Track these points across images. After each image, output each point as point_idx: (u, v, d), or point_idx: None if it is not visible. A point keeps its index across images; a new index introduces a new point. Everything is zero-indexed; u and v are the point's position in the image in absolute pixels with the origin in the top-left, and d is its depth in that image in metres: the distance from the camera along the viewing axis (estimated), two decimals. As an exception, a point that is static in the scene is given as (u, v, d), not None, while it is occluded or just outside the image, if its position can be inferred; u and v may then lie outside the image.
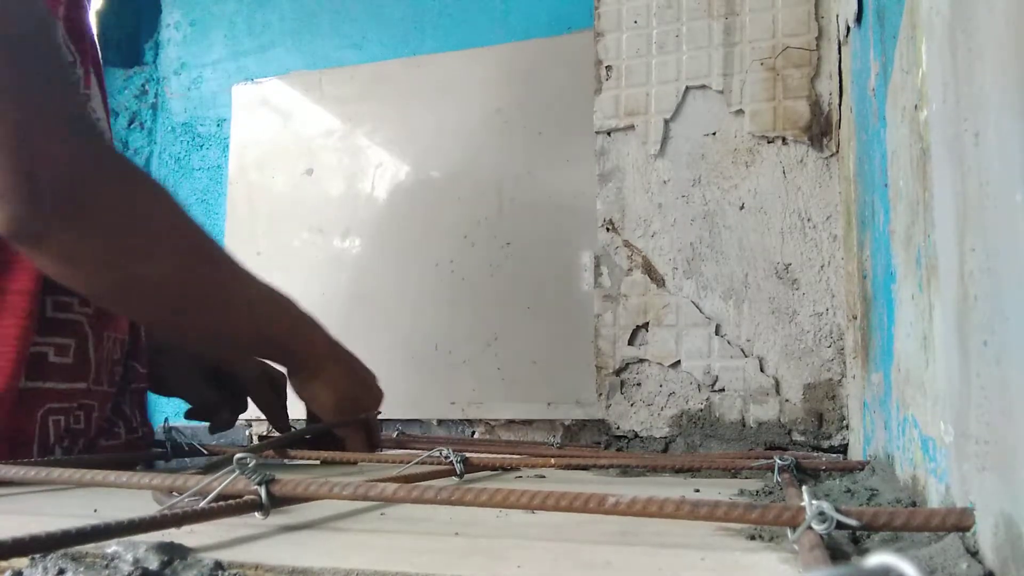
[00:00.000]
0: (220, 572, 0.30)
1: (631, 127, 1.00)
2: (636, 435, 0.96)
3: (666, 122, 0.99)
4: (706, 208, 0.96)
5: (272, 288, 0.77)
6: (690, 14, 0.99)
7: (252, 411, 1.30)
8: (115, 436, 0.79)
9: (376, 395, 0.84)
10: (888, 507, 0.36)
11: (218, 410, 0.86)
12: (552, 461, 0.66)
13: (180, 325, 0.71)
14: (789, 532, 0.32)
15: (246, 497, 0.39)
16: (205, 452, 0.76)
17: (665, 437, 0.95)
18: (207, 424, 0.87)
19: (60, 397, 0.72)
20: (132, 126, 1.55)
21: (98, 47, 0.86)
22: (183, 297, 0.68)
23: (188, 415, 0.88)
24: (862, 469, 0.63)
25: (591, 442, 1.09)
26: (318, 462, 0.79)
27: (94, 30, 0.83)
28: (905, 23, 0.45)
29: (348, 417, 0.80)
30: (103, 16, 1.58)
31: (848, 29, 0.79)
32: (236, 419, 0.89)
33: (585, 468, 0.70)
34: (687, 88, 0.98)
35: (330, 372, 0.79)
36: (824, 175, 0.92)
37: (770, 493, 0.55)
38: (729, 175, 0.96)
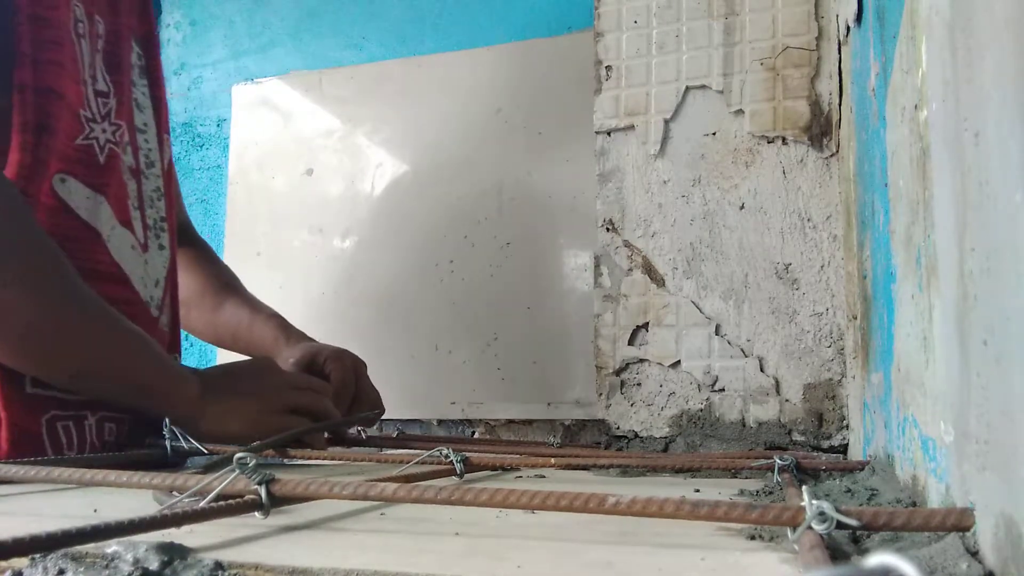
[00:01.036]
0: (220, 572, 0.30)
1: (631, 127, 1.00)
2: (636, 435, 0.96)
3: (666, 122, 0.99)
4: (706, 208, 0.96)
5: (139, 332, 0.74)
6: (690, 14, 0.99)
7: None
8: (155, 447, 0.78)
9: (280, 396, 0.80)
10: (888, 507, 0.36)
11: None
12: (552, 461, 0.66)
13: (35, 365, 0.68)
14: (789, 532, 0.32)
15: (246, 497, 0.39)
16: (205, 452, 0.76)
17: (665, 437, 0.95)
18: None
19: (66, 405, 0.72)
20: (132, 126, 1.55)
21: (159, 82, 0.90)
22: (35, 330, 0.66)
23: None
24: (862, 469, 0.63)
25: (591, 442, 1.09)
26: (318, 462, 0.79)
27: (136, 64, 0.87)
28: (905, 23, 0.45)
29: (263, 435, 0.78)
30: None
31: (848, 29, 0.79)
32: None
33: (585, 468, 0.70)
34: (687, 88, 0.98)
35: (213, 408, 0.75)
36: (824, 175, 0.92)
37: (770, 493, 0.55)
38: (729, 175, 0.96)
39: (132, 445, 0.79)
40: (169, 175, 0.91)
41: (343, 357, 0.95)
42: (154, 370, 0.73)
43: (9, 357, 0.67)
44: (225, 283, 1.05)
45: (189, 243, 1.05)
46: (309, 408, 0.81)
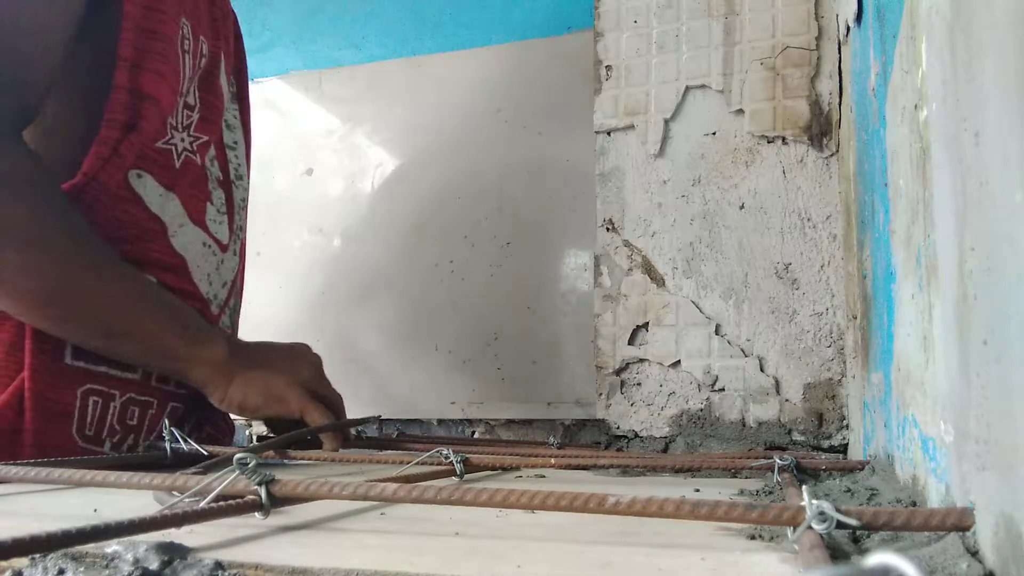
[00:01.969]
0: (220, 572, 0.30)
1: (631, 127, 1.00)
2: (636, 435, 0.96)
3: (666, 122, 0.99)
4: (706, 208, 0.96)
5: (164, 293, 0.77)
6: (690, 14, 0.99)
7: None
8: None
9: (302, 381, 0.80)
10: (888, 507, 0.36)
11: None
12: (552, 461, 0.66)
13: (54, 322, 0.71)
14: (789, 532, 0.32)
15: (246, 497, 0.39)
16: (205, 452, 0.76)
17: (665, 437, 0.95)
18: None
19: (105, 382, 0.75)
20: (132, 126, 1.55)
21: (247, 110, 0.96)
22: (50, 291, 0.69)
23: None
24: (862, 469, 0.63)
25: (591, 442, 1.09)
26: (318, 462, 0.79)
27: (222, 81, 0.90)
28: (905, 23, 0.45)
29: (280, 411, 0.79)
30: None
31: (848, 29, 0.79)
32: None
33: (585, 468, 0.70)
34: (687, 88, 0.98)
35: (240, 372, 0.77)
36: (824, 175, 0.92)
37: (770, 493, 0.55)
38: (729, 175, 0.96)
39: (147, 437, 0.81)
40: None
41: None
42: (179, 333, 0.74)
43: (42, 320, 0.71)
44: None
45: None
46: (330, 401, 0.82)
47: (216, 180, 0.88)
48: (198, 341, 0.75)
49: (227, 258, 0.88)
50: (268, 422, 0.84)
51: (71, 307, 0.70)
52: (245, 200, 0.95)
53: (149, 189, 0.78)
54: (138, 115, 0.75)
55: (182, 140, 0.82)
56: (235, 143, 0.93)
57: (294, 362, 0.82)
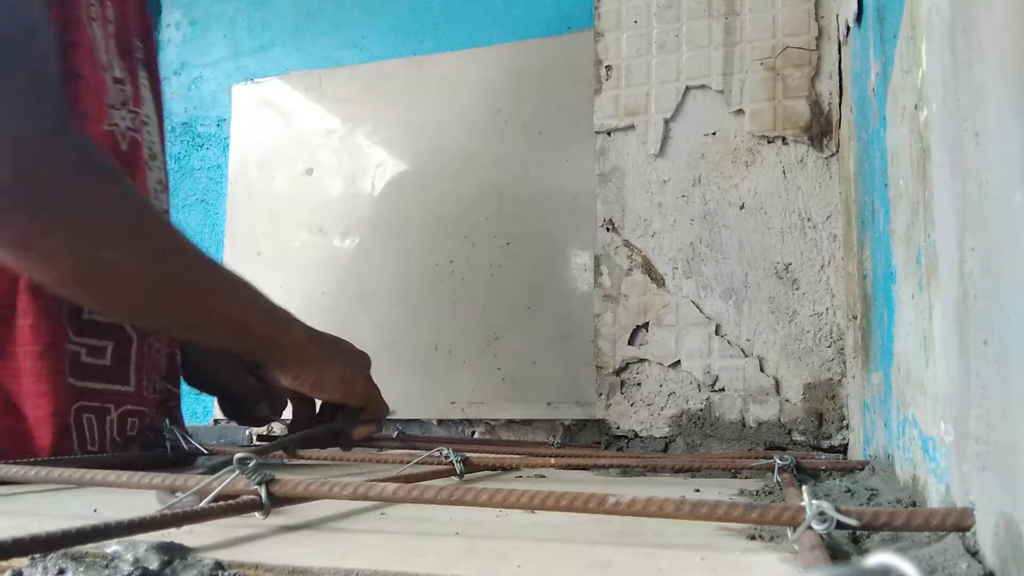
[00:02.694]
0: (220, 572, 0.30)
1: (631, 127, 1.00)
2: (636, 435, 0.96)
3: (666, 122, 0.99)
4: (706, 208, 0.96)
5: (243, 279, 0.75)
6: (690, 14, 0.99)
7: (252, 411, 1.30)
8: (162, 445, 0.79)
9: (363, 375, 0.82)
10: (888, 507, 0.36)
11: (258, 402, 0.85)
12: (552, 461, 0.66)
13: (150, 316, 0.70)
14: (789, 532, 0.32)
15: (246, 497, 0.39)
16: (205, 452, 0.76)
17: (665, 437, 0.95)
18: (231, 421, 0.87)
19: (93, 396, 0.73)
20: (132, 126, 1.55)
21: (157, 76, 0.88)
22: (147, 285, 0.66)
23: (223, 408, 0.87)
24: (862, 469, 0.63)
25: (591, 442, 1.09)
26: (318, 462, 0.79)
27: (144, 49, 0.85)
28: (905, 23, 0.45)
29: (346, 395, 0.79)
30: (103, 16, 1.58)
31: (848, 29, 0.79)
32: (278, 416, 0.87)
33: (585, 468, 0.70)
34: (687, 88, 0.98)
35: (317, 355, 0.77)
36: (824, 175, 0.92)
37: (770, 493, 0.55)
38: (729, 175, 0.96)
39: (153, 439, 0.80)
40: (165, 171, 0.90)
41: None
42: (260, 313, 0.73)
43: (140, 316, 0.70)
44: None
45: None
46: (370, 393, 0.81)
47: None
48: (282, 327, 0.75)
49: None
50: (293, 420, 0.84)
51: (169, 301, 0.68)
52: (163, 183, 0.86)
53: None
54: (74, 98, 0.70)
55: (123, 119, 0.77)
56: (148, 117, 0.84)
57: (361, 356, 0.82)
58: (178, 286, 0.68)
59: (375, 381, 0.83)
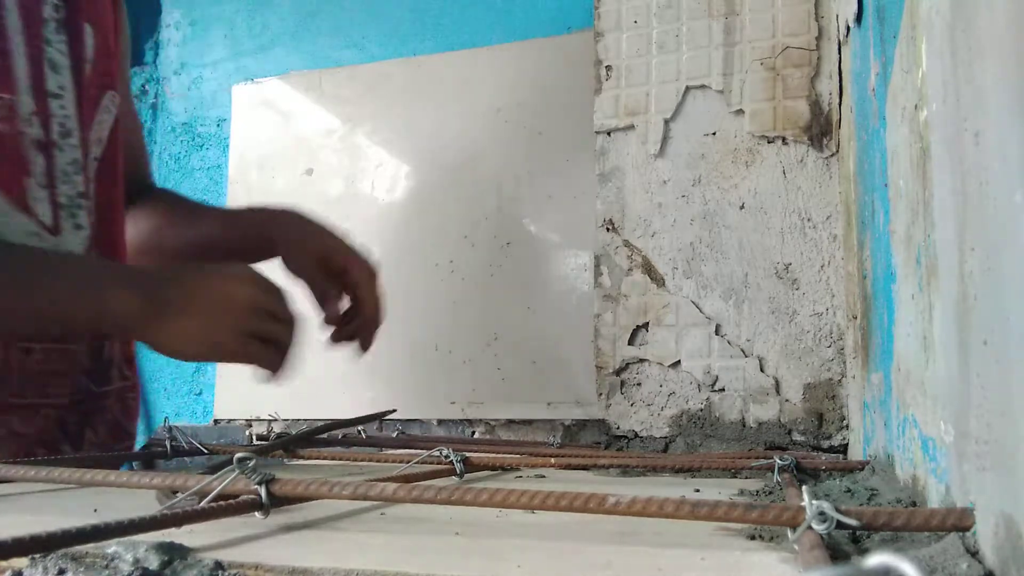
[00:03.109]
0: (220, 572, 0.30)
1: (631, 127, 1.00)
2: (636, 435, 0.96)
3: (666, 122, 0.99)
4: (706, 208, 0.96)
5: (55, 259, 0.68)
6: (690, 14, 0.99)
7: (253, 411, 1.31)
8: (58, 453, 0.75)
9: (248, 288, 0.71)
10: (888, 507, 0.36)
11: (331, 298, 0.83)
12: (552, 461, 0.66)
13: None
14: (789, 532, 0.32)
15: (246, 497, 0.39)
16: (205, 452, 0.76)
17: (665, 437, 0.95)
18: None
19: None
20: (132, 126, 1.55)
21: (81, 36, 0.79)
22: None
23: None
24: (862, 469, 0.63)
25: (591, 442, 1.09)
26: (318, 462, 0.79)
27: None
28: (905, 23, 0.45)
29: (213, 355, 0.71)
30: (103, 16, 1.58)
31: (848, 29, 0.79)
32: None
33: (585, 468, 0.70)
34: (687, 88, 0.98)
35: (161, 318, 0.67)
36: (824, 175, 0.92)
37: (770, 493, 0.55)
38: (729, 175, 0.96)
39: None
40: (114, 142, 0.82)
41: (362, 262, 0.84)
42: (72, 295, 0.65)
43: None
44: (196, 205, 0.96)
45: (153, 196, 0.95)
46: (271, 338, 0.71)
47: (35, 143, 0.73)
48: (98, 301, 0.65)
49: (62, 240, 0.74)
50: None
51: None
52: (77, 163, 0.77)
53: None
54: None
55: None
56: (61, 89, 0.75)
57: (217, 301, 0.69)
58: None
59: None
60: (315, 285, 0.84)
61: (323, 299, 0.84)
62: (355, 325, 0.84)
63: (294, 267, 0.84)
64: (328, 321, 0.84)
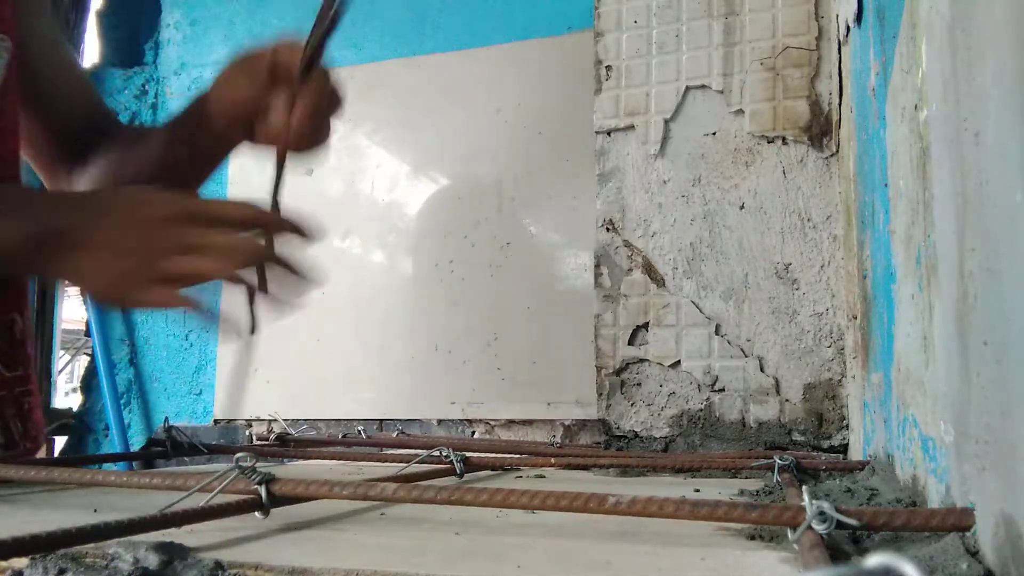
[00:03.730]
0: (220, 572, 0.30)
1: (631, 127, 1.00)
2: (636, 435, 0.96)
3: (666, 122, 0.99)
4: (706, 208, 0.96)
5: None
6: (690, 14, 0.99)
7: (252, 411, 1.31)
8: None
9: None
10: (888, 507, 0.36)
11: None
12: (552, 461, 0.66)
13: None
14: (789, 532, 0.32)
15: (246, 497, 0.39)
16: (205, 451, 0.76)
17: (665, 437, 0.95)
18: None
19: None
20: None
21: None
22: None
23: None
24: (862, 469, 0.63)
25: (591, 442, 1.09)
26: (318, 462, 0.80)
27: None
28: (905, 23, 0.45)
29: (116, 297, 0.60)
30: (103, 16, 1.58)
31: (848, 29, 0.79)
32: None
33: (585, 468, 0.70)
34: (687, 88, 0.98)
35: (64, 263, 0.57)
36: (824, 175, 0.92)
37: (770, 493, 0.55)
38: (729, 175, 0.96)
39: None
40: (9, 91, 0.71)
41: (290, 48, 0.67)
42: None
43: None
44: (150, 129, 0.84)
45: (109, 135, 0.83)
46: (206, 275, 0.59)
47: None
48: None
49: None
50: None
51: None
52: None
53: None
54: None
55: None
56: None
57: (123, 229, 0.58)
58: None
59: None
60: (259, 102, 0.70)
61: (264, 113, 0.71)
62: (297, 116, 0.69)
63: (233, 96, 0.71)
64: (268, 135, 0.72)
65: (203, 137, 0.74)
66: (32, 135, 0.76)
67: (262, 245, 0.63)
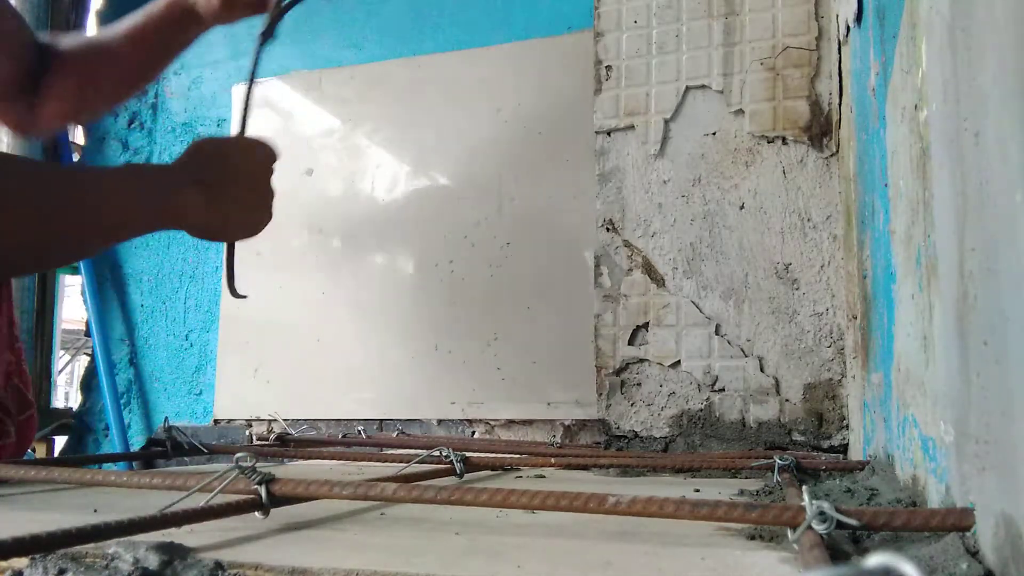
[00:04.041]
0: (220, 572, 0.30)
1: (631, 127, 1.00)
2: (636, 435, 0.96)
3: (666, 122, 0.99)
4: (706, 208, 0.96)
5: (72, 175, 0.69)
6: (690, 14, 0.99)
7: (252, 411, 1.31)
8: None
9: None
10: (888, 507, 0.36)
11: None
12: (552, 461, 0.66)
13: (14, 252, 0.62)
14: (789, 532, 0.32)
15: (246, 497, 0.39)
16: (205, 451, 0.76)
17: (665, 437, 0.95)
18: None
19: None
20: (132, 126, 1.55)
21: None
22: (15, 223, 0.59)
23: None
24: (862, 469, 0.63)
25: (591, 442, 1.09)
26: (318, 462, 0.80)
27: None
28: (905, 23, 0.45)
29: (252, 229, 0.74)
30: (103, 16, 1.58)
31: (848, 29, 0.79)
32: None
33: (585, 468, 0.70)
34: (687, 88, 0.98)
35: (220, 209, 0.70)
36: (824, 175, 0.92)
37: (770, 493, 0.55)
38: (729, 175, 0.96)
39: None
40: None
41: None
42: (134, 204, 0.67)
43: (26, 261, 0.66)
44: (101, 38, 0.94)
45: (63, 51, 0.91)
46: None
47: None
48: (169, 202, 0.67)
49: None
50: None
51: (42, 244, 0.62)
52: None
53: None
54: None
55: None
56: None
57: (262, 168, 0.75)
58: (48, 226, 0.61)
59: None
60: None
61: None
62: None
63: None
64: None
65: (184, 36, 0.90)
66: None
67: None
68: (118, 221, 0.66)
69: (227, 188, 0.71)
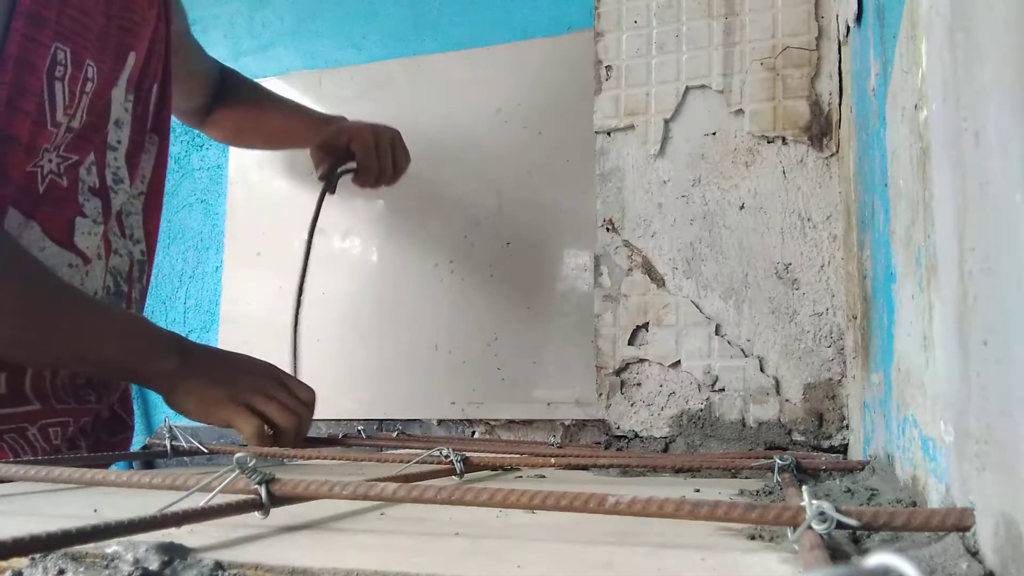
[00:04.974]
0: (220, 572, 0.30)
1: (631, 127, 1.00)
2: (636, 435, 0.96)
3: (666, 122, 0.99)
4: (706, 208, 0.96)
5: (112, 312, 0.81)
6: (690, 14, 0.99)
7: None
8: (77, 449, 0.85)
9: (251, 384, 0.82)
10: (888, 507, 0.36)
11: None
12: (552, 461, 0.66)
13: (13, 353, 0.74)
14: (789, 532, 0.32)
15: (246, 497, 0.39)
16: (205, 452, 0.76)
17: (665, 437, 0.95)
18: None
19: (5, 420, 0.78)
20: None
21: (144, 96, 0.92)
22: (12, 327, 0.71)
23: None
24: (862, 469, 0.63)
25: (591, 442, 1.09)
26: (318, 462, 0.79)
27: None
28: (905, 23, 0.45)
29: (205, 418, 0.80)
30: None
31: (848, 29, 0.79)
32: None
33: (585, 468, 0.70)
34: (687, 88, 0.98)
35: (185, 385, 0.79)
36: (824, 175, 0.92)
37: (770, 493, 0.55)
38: (729, 175, 0.96)
39: (81, 442, 0.85)
40: (157, 176, 0.96)
41: (364, 132, 1.09)
42: (136, 355, 0.77)
43: (8, 352, 0.74)
44: (260, 98, 1.21)
45: (226, 90, 1.18)
46: (271, 419, 0.80)
47: (89, 189, 0.84)
48: (151, 359, 0.77)
49: (92, 270, 0.85)
50: None
51: (36, 342, 0.73)
52: (127, 207, 0.91)
53: (9, 220, 0.76)
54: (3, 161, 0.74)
55: (50, 161, 0.79)
56: (118, 142, 0.88)
57: (235, 375, 0.81)
58: (46, 328, 0.72)
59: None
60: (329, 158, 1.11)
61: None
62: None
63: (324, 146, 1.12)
64: (319, 176, 1.11)
65: (303, 140, 1.15)
66: (178, 99, 1.01)
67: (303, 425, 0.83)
68: (101, 360, 0.77)
69: (200, 371, 0.79)
